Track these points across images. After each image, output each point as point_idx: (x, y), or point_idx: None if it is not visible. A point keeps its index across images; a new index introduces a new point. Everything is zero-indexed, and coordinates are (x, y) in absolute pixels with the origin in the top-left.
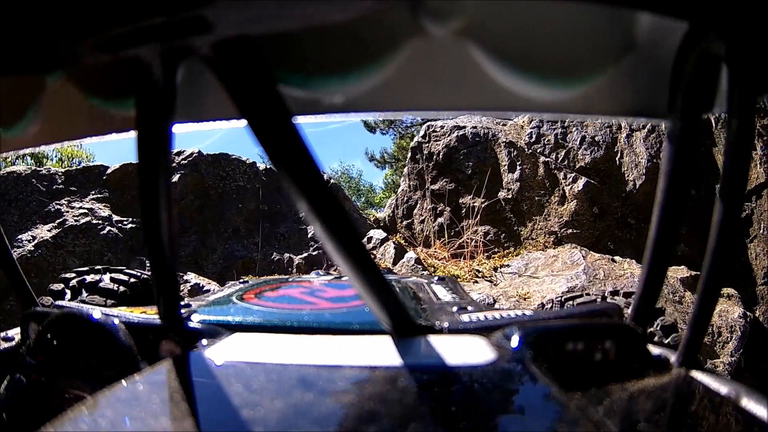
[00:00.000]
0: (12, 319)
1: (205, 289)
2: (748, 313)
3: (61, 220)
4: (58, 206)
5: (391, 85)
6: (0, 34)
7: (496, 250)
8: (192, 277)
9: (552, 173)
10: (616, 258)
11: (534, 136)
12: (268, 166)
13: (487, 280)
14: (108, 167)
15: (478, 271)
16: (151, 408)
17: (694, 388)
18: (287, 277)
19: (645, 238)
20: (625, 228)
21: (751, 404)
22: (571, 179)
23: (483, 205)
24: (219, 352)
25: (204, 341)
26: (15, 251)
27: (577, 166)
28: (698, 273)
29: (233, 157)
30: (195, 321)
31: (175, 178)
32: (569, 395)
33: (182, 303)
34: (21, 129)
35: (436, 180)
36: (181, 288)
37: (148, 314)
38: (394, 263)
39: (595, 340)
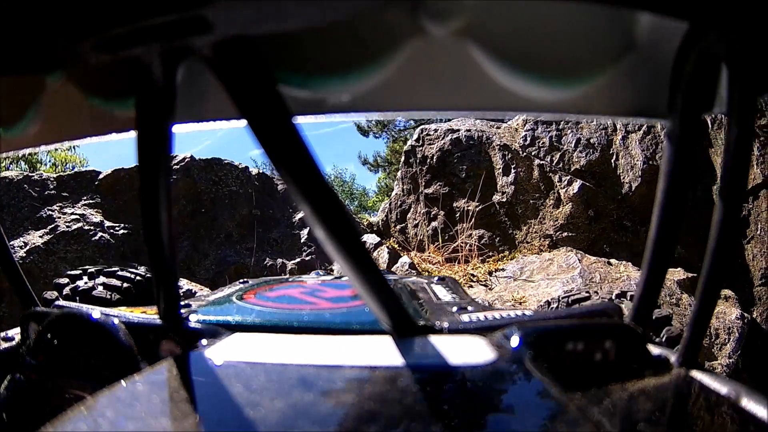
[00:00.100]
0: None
1: (198, 295)
2: (746, 315)
3: (53, 225)
4: (50, 212)
5: (391, 85)
6: (0, 34)
7: (490, 253)
8: (184, 283)
9: (547, 176)
10: (612, 261)
11: (528, 138)
12: (260, 171)
13: (482, 285)
14: (100, 172)
15: (472, 275)
16: (151, 408)
17: (694, 388)
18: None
19: (641, 240)
20: (621, 230)
21: (750, 404)
22: (566, 182)
23: (477, 209)
24: (219, 352)
25: (204, 341)
26: None
27: (572, 169)
28: (695, 275)
29: (226, 161)
30: (195, 321)
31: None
32: (569, 395)
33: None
34: (21, 129)
35: (429, 184)
36: None
37: (148, 314)
38: (388, 268)
39: (594, 340)
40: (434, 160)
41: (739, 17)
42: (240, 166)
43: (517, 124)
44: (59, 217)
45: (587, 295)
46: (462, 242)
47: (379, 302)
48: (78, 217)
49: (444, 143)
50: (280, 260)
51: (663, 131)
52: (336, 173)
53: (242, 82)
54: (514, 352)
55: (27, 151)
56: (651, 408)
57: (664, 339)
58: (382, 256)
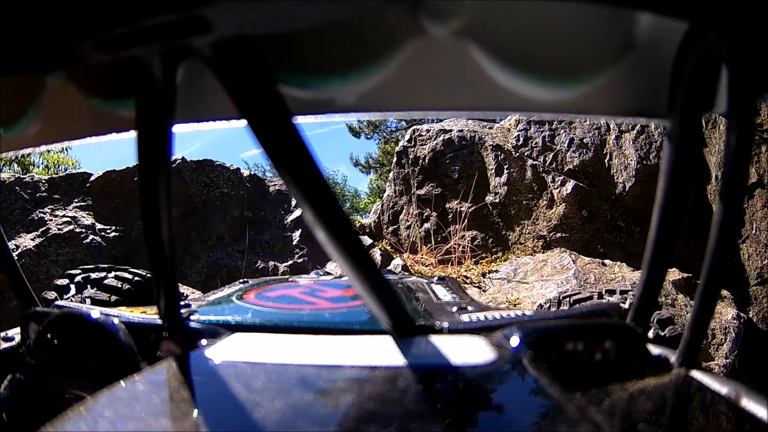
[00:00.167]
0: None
1: (189, 299)
2: (742, 315)
3: (44, 228)
4: (42, 214)
5: (391, 85)
6: (0, 34)
7: (483, 255)
8: None
9: (540, 176)
10: (606, 261)
11: (521, 139)
12: (252, 173)
13: (475, 286)
14: (91, 174)
15: (466, 277)
16: (151, 408)
17: (694, 388)
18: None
19: (635, 241)
20: (615, 231)
21: (750, 404)
22: (559, 182)
23: (470, 210)
24: (219, 352)
25: (204, 341)
26: None
27: (565, 169)
28: (690, 275)
29: (217, 163)
30: (195, 321)
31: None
32: (569, 395)
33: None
34: (21, 129)
35: (422, 185)
36: None
37: (148, 314)
38: None
39: (594, 339)
40: (426, 161)
41: (739, 17)
42: (231, 168)
43: (510, 124)
44: (50, 220)
45: (588, 295)
46: (455, 244)
47: (379, 302)
48: (69, 219)
49: (436, 144)
50: (272, 263)
51: (657, 131)
52: (328, 175)
53: (242, 82)
54: (514, 352)
55: (27, 151)
56: (651, 408)
57: (667, 336)
58: (374, 259)
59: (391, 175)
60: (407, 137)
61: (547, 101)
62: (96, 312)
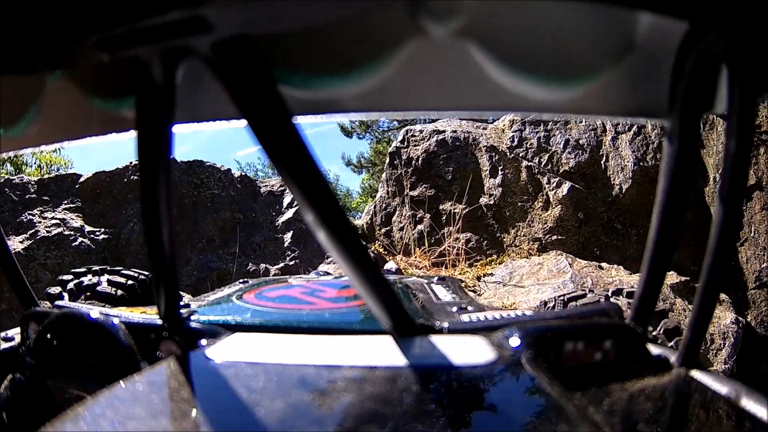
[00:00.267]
0: None
1: (187, 300)
2: (740, 319)
3: (33, 231)
4: (31, 216)
5: (391, 85)
6: (0, 34)
7: (478, 257)
8: None
9: (535, 178)
10: (603, 264)
11: (516, 139)
12: (243, 173)
13: (470, 290)
14: (81, 175)
15: (460, 280)
16: (151, 408)
17: (694, 388)
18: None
19: (632, 243)
20: (612, 233)
21: (751, 404)
22: (555, 184)
23: (464, 212)
24: (219, 352)
25: (204, 341)
26: None
27: (561, 171)
28: (688, 278)
29: (208, 164)
30: (195, 321)
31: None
32: (569, 395)
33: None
34: (21, 129)
35: (415, 186)
36: None
37: (148, 314)
38: None
39: (595, 340)
40: (420, 162)
41: (739, 17)
42: (222, 169)
43: (504, 125)
44: (39, 222)
45: (593, 296)
46: (449, 246)
47: (379, 302)
48: (58, 221)
49: (429, 145)
50: (263, 265)
51: (654, 132)
52: None
53: (242, 82)
54: (514, 352)
55: (27, 150)
56: (651, 408)
57: (661, 332)
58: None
59: (383, 175)
60: (400, 138)
61: (547, 101)
62: (96, 312)
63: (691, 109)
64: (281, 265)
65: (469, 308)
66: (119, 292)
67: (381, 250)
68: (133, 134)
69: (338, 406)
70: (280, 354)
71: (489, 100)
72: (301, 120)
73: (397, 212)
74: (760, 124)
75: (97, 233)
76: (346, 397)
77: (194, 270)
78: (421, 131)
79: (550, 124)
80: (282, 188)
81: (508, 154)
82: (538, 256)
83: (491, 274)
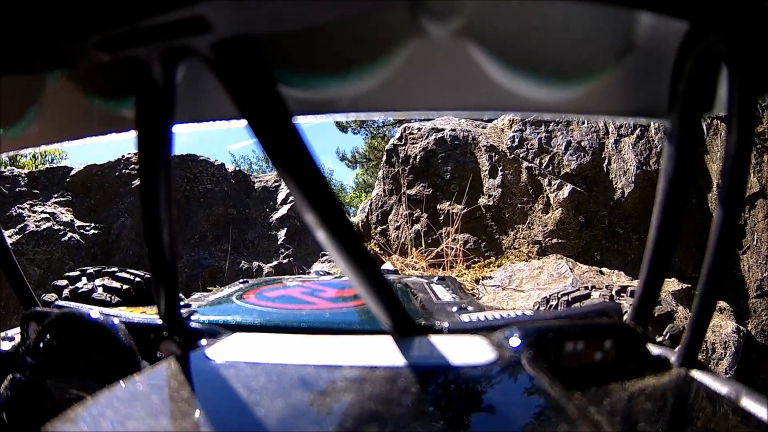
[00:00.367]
0: None
1: (189, 299)
2: (741, 328)
3: (22, 225)
4: (20, 210)
5: (391, 85)
6: (0, 34)
7: (476, 259)
8: None
9: (536, 179)
10: (604, 269)
11: (516, 140)
12: (237, 167)
13: (468, 293)
14: (72, 168)
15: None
16: (151, 408)
17: (694, 388)
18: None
19: (633, 248)
20: (613, 238)
21: (751, 404)
22: (555, 186)
23: (462, 212)
24: (219, 352)
25: (204, 341)
26: None
27: (562, 173)
28: (689, 286)
29: (201, 158)
30: (195, 321)
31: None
32: (569, 395)
33: (182, 303)
34: (21, 129)
35: (412, 185)
36: None
37: (148, 314)
38: None
39: (595, 340)
40: (417, 160)
41: (739, 17)
42: (216, 163)
43: (503, 124)
44: (29, 216)
45: (598, 296)
46: (446, 247)
47: (379, 302)
48: (48, 216)
49: (428, 143)
50: (256, 263)
51: (658, 136)
52: None
53: (242, 82)
54: (514, 352)
55: (27, 150)
56: (651, 408)
57: (667, 336)
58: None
59: (380, 173)
60: (398, 135)
61: (547, 101)
62: (96, 312)
63: (691, 109)
64: (275, 263)
65: (469, 308)
66: (115, 298)
67: (377, 249)
68: (133, 134)
69: (338, 406)
70: (280, 354)
71: (489, 100)
72: (301, 120)
73: (393, 211)
74: (765, 132)
75: (87, 228)
76: (346, 397)
77: (185, 267)
78: (419, 129)
79: (551, 124)
80: (276, 184)
81: (509, 154)
82: (538, 259)
83: (490, 277)
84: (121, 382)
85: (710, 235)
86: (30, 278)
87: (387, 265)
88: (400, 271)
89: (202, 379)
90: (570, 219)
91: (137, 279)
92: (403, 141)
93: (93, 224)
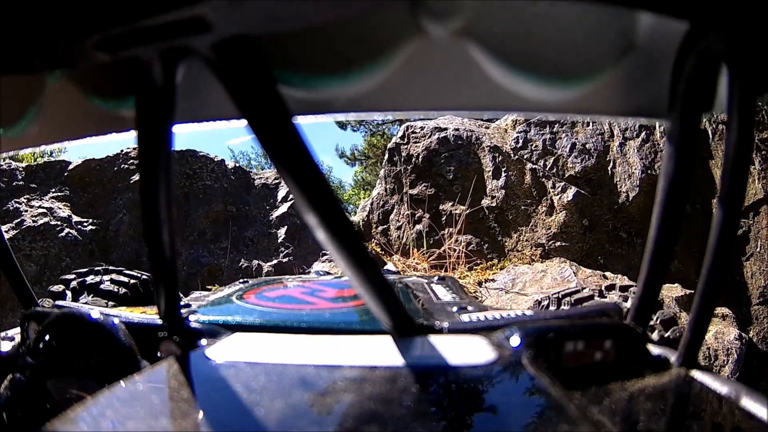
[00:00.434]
0: None
1: (189, 298)
2: (743, 335)
3: (19, 220)
4: (17, 204)
5: (391, 85)
6: (0, 34)
7: (478, 261)
8: None
9: (540, 181)
10: (607, 274)
11: (521, 141)
12: (237, 164)
13: (471, 296)
14: (70, 163)
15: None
16: (151, 408)
17: (694, 388)
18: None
19: (637, 253)
20: (617, 242)
21: (751, 404)
22: (560, 188)
23: (465, 213)
24: (219, 352)
25: (204, 341)
26: None
27: (566, 175)
28: (692, 292)
29: (201, 154)
30: (195, 321)
31: (138, 176)
32: (569, 395)
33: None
34: (21, 129)
35: (414, 184)
36: None
37: (148, 314)
38: None
39: (595, 340)
40: (420, 160)
41: (739, 17)
42: (216, 159)
43: (507, 125)
44: (26, 211)
45: (588, 292)
46: (449, 248)
47: (379, 302)
48: (45, 211)
49: (431, 142)
50: (255, 262)
51: (663, 140)
52: None
53: (242, 82)
54: (514, 352)
55: (27, 150)
56: (651, 408)
57: (669, 338)
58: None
59: (381, 172)
60: (400, 134)
61: (547, 101)
62: (96, 312)
63: (691, 109)
64: (274, 261)
65: (470, 308)
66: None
67: (378, 249)
68: (133, 134)
69: (338, 406)
70: (280, 354)
71: (489, 99)
72: (301, 120)
73: (395, 210)
74: None
75: (85, 224)
76: (346, 397)
77: (184, 265)
78: (422, 128)
79: (556, 126)
80: (276, 181)
81: (512, 155)
82: (541, 262)
83: (493, 280)
84: (121, 382)
85: (710, 233)
86: (26, 274)
87: (389, 266)
88: (401, 272)
89: (202, 379)
90: (574, 222)
91: (132, 282)
92: (406, 140)
93: (91, 220)
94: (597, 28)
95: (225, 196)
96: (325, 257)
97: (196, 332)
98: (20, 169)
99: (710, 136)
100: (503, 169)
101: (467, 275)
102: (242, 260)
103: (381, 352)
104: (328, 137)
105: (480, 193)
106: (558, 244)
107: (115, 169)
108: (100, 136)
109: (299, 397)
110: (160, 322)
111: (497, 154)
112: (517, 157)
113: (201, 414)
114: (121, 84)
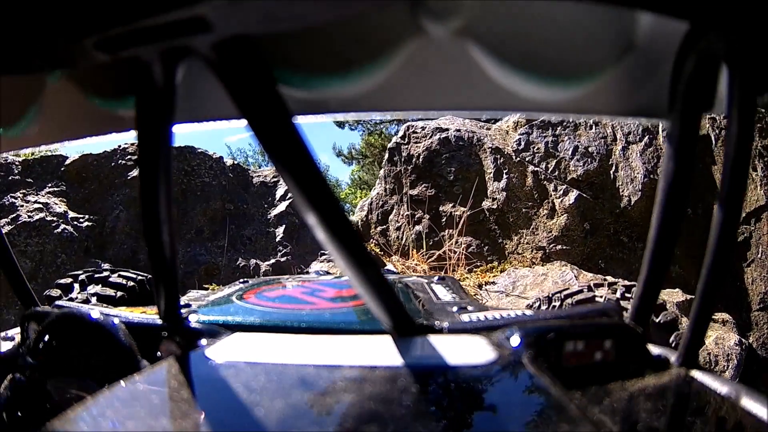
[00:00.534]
0: None
1: (189, 298)
2: (744, 340)
3: (14, 215)
4: (13, 199)
5: (391, 85)
6: (0, 34)
7: (478, 263)
8: None
9: (541, 184)
10: (608, 278)
11: (523, 143)
12: (235, 161)
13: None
14: (67, 157)
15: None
16: (151, 408)
17: (694, 388)
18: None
19: (638, 257)
20: (618, 246)
21: (751, 404)
22: (561, 191)
23: (465, 215)
24: (219, 352)
25: (204, 341)
26: None
27: (568, 178)
28: (693, 297)
29: (199, 150)
30: (195, 321)
31: (135, 172)
32: (569, 395)
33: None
34: (21, 129)
35: (415, 185)
36: None
37: (148, 314)
38: None
39: (595, 339)
40: (420, 160)
41: (739, 17)
42: (214, 156)
43: (509, 126)
44: (22, 206)
45: (577, 288)
46: (449, 249)
47: (379, 302)
48: (41, 206)
49: (432, 143)
50: (253, 261)
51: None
52: None
53: (242, 82)
54: (514, 352)
55: (27, 150)
56: (651, 408)
57: (673, 344)
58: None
59: (381, 171)
60: (401, 134)
61: (547, 101)
62: (96, 312)
63: (691, 109)
64: (272, 261)
65: (469, 308)
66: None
67: (377, 249)
68: (133, 134)
69: (338, 406)
70: (280, 354)
71: (489, 99)
72: (301, 120)
73: (394, 211)
74: None
75: (81, 220)
76: (346, 397)
77: (181, 263)
78: (423, 128)
79: (558, 128)
80: (275, 179)
81: (514, 157)
82: (542, 265)
83: (493, 283)
84: (121, 382)
85: (710, 234)
86: (21, 270)
87: (388, 267)
88: (401, 273)
89: (202, 379)
90: (575, 226)
91: (130, 284)
92: (407, 140)
93: (87, 216)
94: (597, 28)
95: (223, 193)
96: (323, 257)
97: (196, 332)
98: (16, 163)
99: (713, 142)
100: (504, 171)
101: (467, 277)
102: (240, 259)
103: (381, 352)
104: (325, 136)
105: (481, 194)
106: (559, 247)
107: (112, 164)
108: (100, 136)
109: (299, 397)
110: (160, 322)
111: (499, 156)
112: (518, 159)
113: (201, 414)
114: (121, 84)
